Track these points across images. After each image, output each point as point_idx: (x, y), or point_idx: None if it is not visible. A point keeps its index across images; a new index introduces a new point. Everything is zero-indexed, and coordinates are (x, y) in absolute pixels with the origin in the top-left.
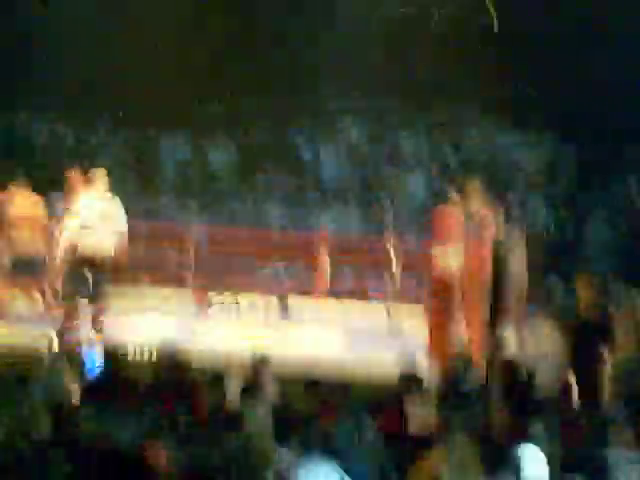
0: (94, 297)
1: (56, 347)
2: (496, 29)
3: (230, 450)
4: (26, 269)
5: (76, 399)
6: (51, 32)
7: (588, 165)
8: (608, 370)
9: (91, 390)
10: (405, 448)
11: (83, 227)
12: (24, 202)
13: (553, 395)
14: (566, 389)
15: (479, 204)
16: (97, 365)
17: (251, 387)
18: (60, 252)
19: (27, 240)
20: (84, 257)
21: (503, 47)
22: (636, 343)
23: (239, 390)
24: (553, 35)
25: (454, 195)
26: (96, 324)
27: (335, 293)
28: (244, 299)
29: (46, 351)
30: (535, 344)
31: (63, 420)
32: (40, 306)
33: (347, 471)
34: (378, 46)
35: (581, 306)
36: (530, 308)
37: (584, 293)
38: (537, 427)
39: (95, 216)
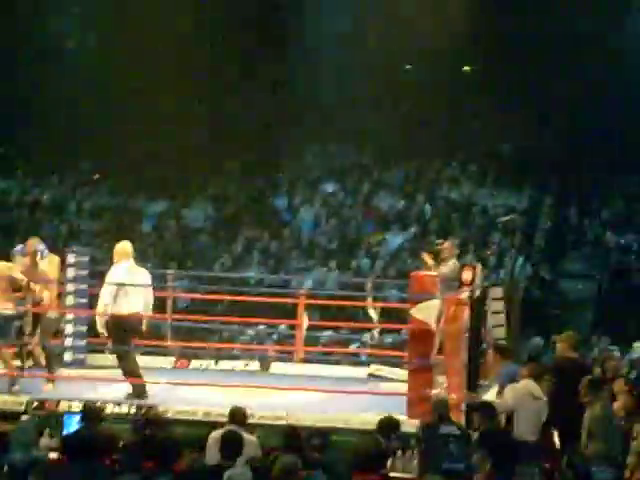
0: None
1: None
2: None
3: None
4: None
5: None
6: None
7: (566, 221)
8: (587, 419)
9: (70, 450)
10: None
11: (119, 294)
12: None
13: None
14: (547, 436)
15: (455, 262)
16: (76, 426)
17: (231, 445)
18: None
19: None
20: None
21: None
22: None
23: (219, 449)
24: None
25: (427, 256)
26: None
27: (315, 355)
28: (225, 362)
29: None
30: (514, 393)
31: None
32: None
33: None
34: (357, 103)
35: (560, 358)
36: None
37: (563, 347)
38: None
39: (130, 283)
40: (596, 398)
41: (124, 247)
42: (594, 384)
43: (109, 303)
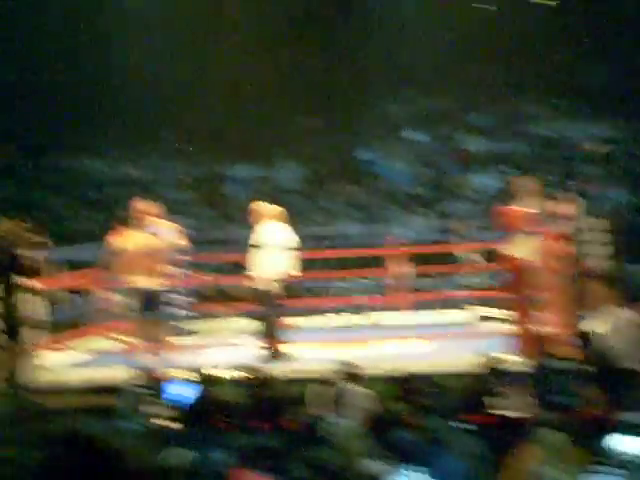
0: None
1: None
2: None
3: (321, 466)
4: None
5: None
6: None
7: None
8: None
9: (186, 415)
10: (498, 440)
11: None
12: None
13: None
14: None
15: (535, 199)
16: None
17: (344, 399)
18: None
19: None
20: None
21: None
22: None
23: (329, 403)
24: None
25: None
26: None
27: (416, 302)
28: (328, 318)
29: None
30: (620, 325)
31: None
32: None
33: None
34: (440, 46)
35: None
36: None
37: None
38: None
39: (281, 243)
40: None
41: (265, 208)
42: None
43: (262, 266)
